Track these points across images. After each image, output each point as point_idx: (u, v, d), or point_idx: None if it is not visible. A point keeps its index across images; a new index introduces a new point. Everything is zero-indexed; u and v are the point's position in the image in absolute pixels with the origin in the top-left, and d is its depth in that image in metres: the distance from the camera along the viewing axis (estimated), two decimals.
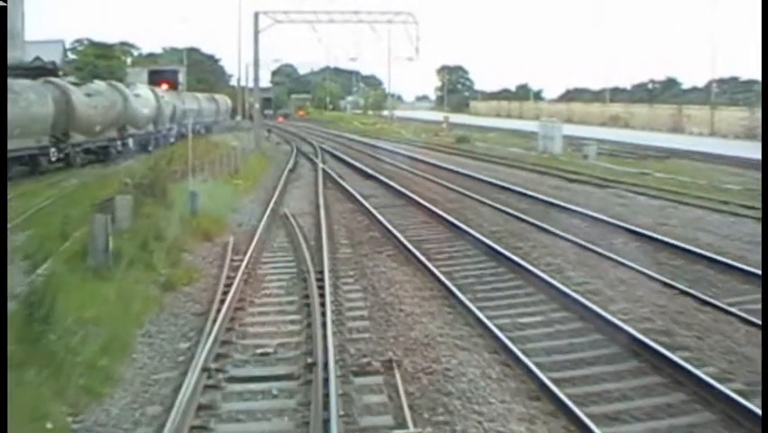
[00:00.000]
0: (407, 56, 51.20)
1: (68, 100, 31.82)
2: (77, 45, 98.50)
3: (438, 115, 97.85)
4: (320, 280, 12.91)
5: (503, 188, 25.51)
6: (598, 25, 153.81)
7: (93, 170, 32.48)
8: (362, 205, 22.05)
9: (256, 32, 41.15)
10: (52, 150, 30.66)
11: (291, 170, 34.22)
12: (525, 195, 23.57)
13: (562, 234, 16.75)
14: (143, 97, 41.31)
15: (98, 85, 36.68)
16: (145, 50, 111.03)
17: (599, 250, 14.96)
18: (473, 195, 23.59)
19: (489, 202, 21.90)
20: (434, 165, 34.18)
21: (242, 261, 14.73)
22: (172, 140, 46.71)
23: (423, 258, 14.41)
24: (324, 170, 32.60)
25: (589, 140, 45.48)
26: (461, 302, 11.37)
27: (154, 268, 13.54)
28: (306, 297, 12.15)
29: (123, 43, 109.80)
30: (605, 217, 18.75)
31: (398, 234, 16.96)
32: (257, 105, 44.66)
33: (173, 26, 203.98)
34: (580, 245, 15.55)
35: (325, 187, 27.09)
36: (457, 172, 30.62)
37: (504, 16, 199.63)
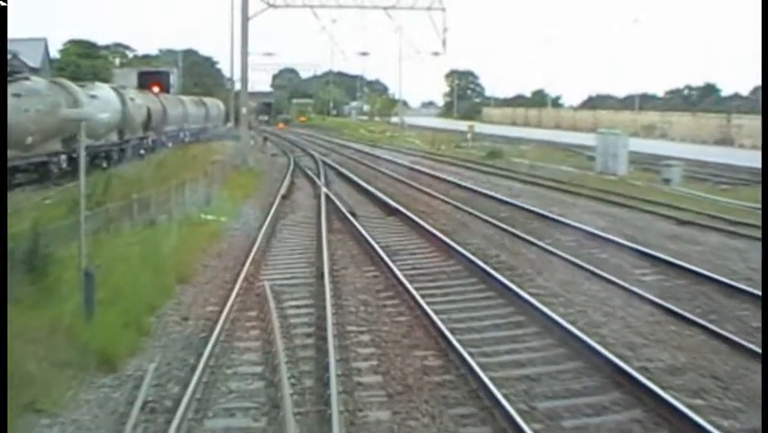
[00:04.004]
0: (433, 50, 42.72)
1: None
2: (69, 46, 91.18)
3: (450, 123, 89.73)
4: None
5: (593, 235, 17.10)
6: (623, 26, 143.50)
7: (20, 195, 24.12)
8: (391, 273, 13.68)
9: (245, 18, 32.91)
10: None
11: (285, 197, 25.92)
12: (639, 252, 15.15)
13: None
14: (102, 99, 32.91)
15: (35, 82, 28.25)
16: (141, 51, 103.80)
17: None
18: (557, 251, 15.24)
19: (594, 269, 13.53)
20: (475, 192, 25.80)
21: None
22: (142, 151, 38.45)
23: None
24: (327, 198, 24.27)
25: (645, 155, 37.40)
26: None
27: None
28: None
29: (117, 44, 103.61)
30: None
31: (477, 366, 8.63)
32: (244, 110, 36.19)
33: (171, 28, 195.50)
34: None
35: (331, 229, 18.75)
36: (513, 205, 22.19)
37: (515, 18, 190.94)
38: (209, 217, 20.30)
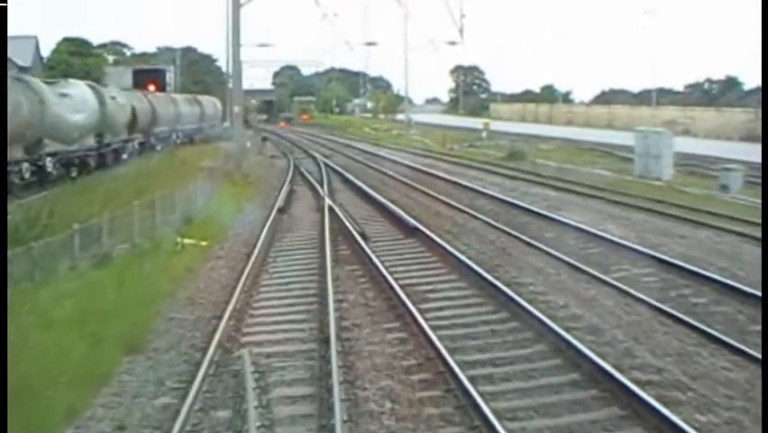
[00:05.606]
0: (449, 40, 38.86)
1: None
2: (61, 44, 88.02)
3: (457, 120, 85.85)
4: None
5: (672, 267, 13.28)
6: (634, 19, 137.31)
7: None
8: (423, 335, 9.86)
9: (236, 6, 29.15)
10: None
11: (282, 210, 22.16)
12: (745, 295, 11.33)
13: None
14: (75, 99, 29.12)
15: None
16: (139, 49, 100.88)
17: None
18: (639, 294, 11.43)
19: (703, 326, 9.75)
20: (506, 203, 21.89)
21: None
22: (125, 156, 34.69)
23: None
24: (332, 211, 20.53)
25: (680, 155, 33.34)
26: None
27: None
28: None
29: (114, 43, 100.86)
30: None
31: None
32: (236, 109, 32.35)
33: (170, 26, 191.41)
34: None
35: (336, 259, 14.94)
36: (557, 222, 18.25)
37: (522, 11, 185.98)
38: (187, 242, 16.52)
